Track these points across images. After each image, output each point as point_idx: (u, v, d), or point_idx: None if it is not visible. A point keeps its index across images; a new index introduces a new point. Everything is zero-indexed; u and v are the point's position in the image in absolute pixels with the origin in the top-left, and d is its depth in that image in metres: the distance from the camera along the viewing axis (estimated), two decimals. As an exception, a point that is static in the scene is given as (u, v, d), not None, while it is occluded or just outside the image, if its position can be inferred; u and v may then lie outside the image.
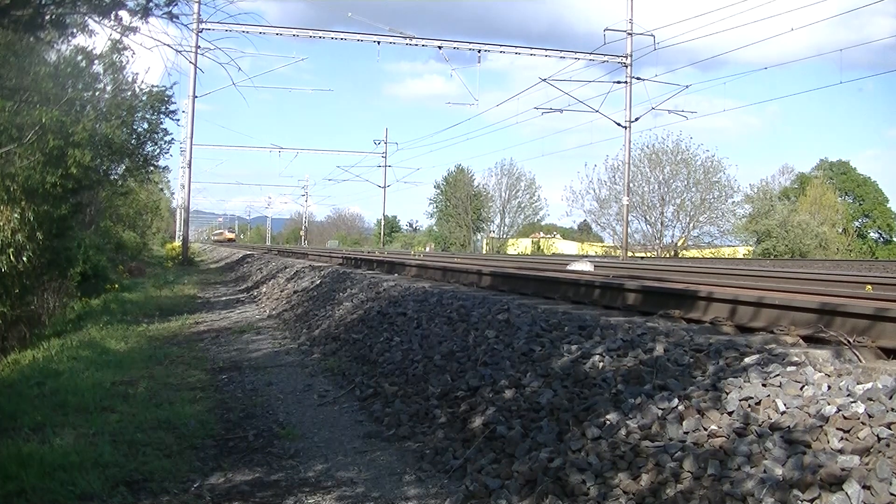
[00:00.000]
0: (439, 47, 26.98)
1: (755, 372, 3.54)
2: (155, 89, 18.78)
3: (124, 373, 7.01)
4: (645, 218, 45.64)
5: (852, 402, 3.02)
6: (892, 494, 2.57)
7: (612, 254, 38.32)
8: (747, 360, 3.73)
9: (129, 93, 17.43)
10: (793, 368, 3.50)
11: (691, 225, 45.56)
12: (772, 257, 41.73)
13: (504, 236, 60.54)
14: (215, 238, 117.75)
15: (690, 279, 8.52)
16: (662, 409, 3.59)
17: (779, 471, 2.86)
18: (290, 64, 31.45)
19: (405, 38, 26.74)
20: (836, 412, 3.00)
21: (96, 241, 18.22)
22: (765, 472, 2.89)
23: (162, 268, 29.06)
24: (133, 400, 5.88)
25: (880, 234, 60.43)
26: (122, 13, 4.43)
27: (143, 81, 17.73)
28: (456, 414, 4.89)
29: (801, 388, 3.32)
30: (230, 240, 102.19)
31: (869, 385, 3.13)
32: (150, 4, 4.44)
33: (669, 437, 3.40)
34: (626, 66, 27.18)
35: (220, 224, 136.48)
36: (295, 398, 6.29)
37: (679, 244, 45.18)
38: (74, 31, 4.70)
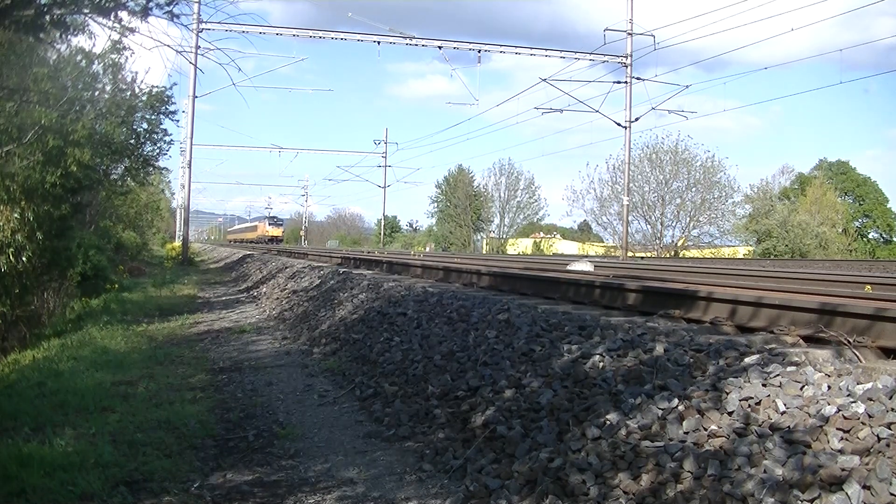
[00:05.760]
0: (439, 47, 26.97)
1: (755, 372, 3.54)
2: (155, 89, 18.79)
3: (124, 373, 7.01)
4: (645, 218, 45.68)
5: (852, 402, 3.02)
6: (892, 495, 2.57)
7: (613, 254, 38.32)
8: (747, 360, 3.73)
9: (128, 93, 17.42)
10: (793, 368, 3.50)
11: (691, 225, 45.59)
12: (772, 257, 41.73)
13: (504, 236, 60.53)
14: (235, 236, 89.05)
15: (690, 279, 8.52)
16: (662, 410, 3.59)
17: (779, 471, 2.86)
18: (290, 64, 31.49)
19: (405, 38, 26.74)
20: (836, 412, 3.00)
21: (96, 241, 18.20)
22: (765, 472, 2.89)
23: (162, 268, 29.05)
24: (133, 400, 5.88)
25: (880, 235, 60.42)
26: (122, 13, 4.43)
27: (142, 81, 17.74)
28: (456, 414, 4.89)
29: (802, 388, 3.32)
30: (274, 238, 67.35)
31: (869, 385, 3.13)
32: (151, 4, 4.44)
33: (669, 438, 3.40)
34: (627, 67, 27.19)
35: (220, 224, 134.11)
36: (295, 398, 6.30)
37: (679, 244, 45.18)
38: (75, 31, 4.69)
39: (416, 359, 6.25)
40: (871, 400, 2.99)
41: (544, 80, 26.34)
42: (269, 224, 71.36)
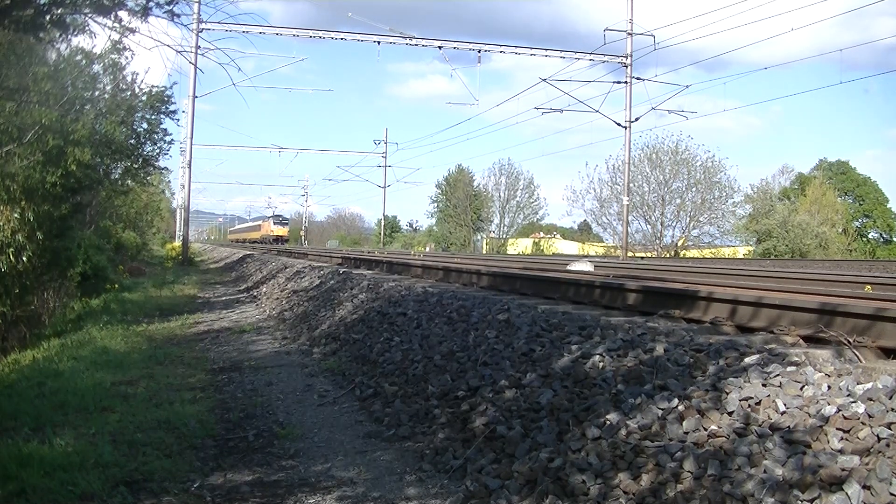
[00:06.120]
0: (439, 47, 26.97)
1: (755, 372, 3.54)
2: (155, 89, 18.78)
3: (124, 373, 7.01)
4: (645, 218, 45.67)
5: (852, 402, 3.02)
6: (892, 495, 2.57)
7: (613, 254, 38.31)
8: (747, 360, 3.73)
9: (128, 93, 17.42)
10: (793, 368, 3.50)
11: (691, 225, 45.58)
12: (772, 257, 41.73)
13: (504, 236, 60.54)
14: (237, 236, 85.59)
15: (690, 279, 8.52)
16: (663, 409, 3.59)
17: (779, 471, 2.86)
18: (290, 64, 31.53)
19: (405, 38, 26.74)
20: (836, 412, 3.00)
21: (96, 241, 18.20)
22: (765, 472, 2.89)
23: (162, 268, 29.06)
24: (133, 400, 5.89)
25: (880, 235, 60.43)
26: (122, 13, 4.44)
27: (143, 81, 17.74)
28: (456, 414, 4.89)
29: (802, 388, 3.32)
30: (279, 238, 63.13)
31: (869, 385, 3.13)
32: (150, 4, 4.44)
33: (670, 438, 3.40)
34: (627, 67, 27.19)
35: (220, 224, 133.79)
36: (295, 398, 6.30)
37: (679, 244, 45.17)
38: (75, 31, 4.70)
39: (416, 359, 6.25)
40: (871, 400, 2.99)
41: (544, 80, 26.34)
42: (275, 223, 66.91)
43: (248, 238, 72.97)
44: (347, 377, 6.80)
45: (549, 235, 65.45)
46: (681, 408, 3.52)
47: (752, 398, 3.35)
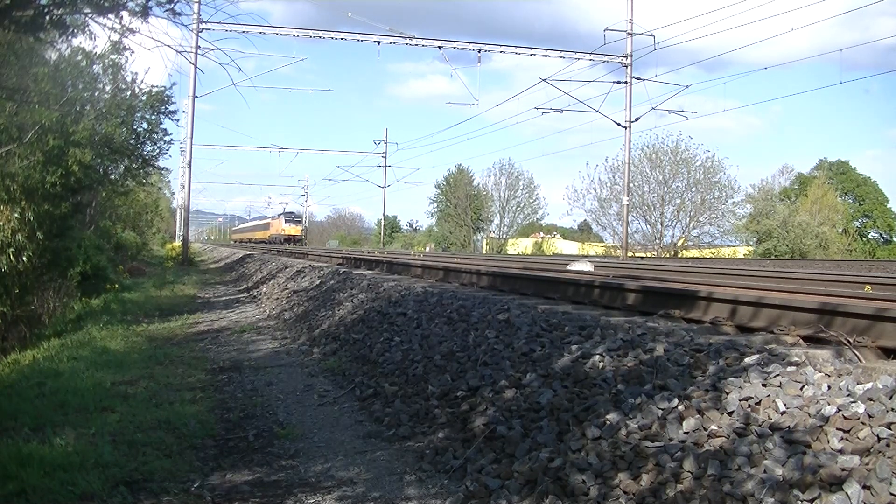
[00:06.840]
0: (439, 47, 26.96)
1: (755, 372, 3.54)
2: (155, 89, 18.77)
3: (124, 373, 7.01)
4: (645, 218, 45.68)
5: (852, 402, 3.03)
6: (892, 494, 2.57)
7: (613, 254, 38.31)
8: (747, 360, 3.73)
9: (128, 93, 17.42)
10: (793, 368, 3.50)
11: (691, 225, 45.58)
12: (772, 257, 41.73)
13: (504, 236, 60.53)
14: (242, 236, 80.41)
15: (690, 279, 8.52)
16: (663, 410, 3.59)
17: (779, 471, 2.86)
18: (290, 64, 31.50)
19: (405, 38, 26.73)
20: (836, 412, 3.01)
21: (96, 241, 18.20)
22: (765, 472, 2.89)
23: (162, 268, 29.05)
24: (133, 400, 5.88)
25: (880, 235, 60.43)
26: (122, 13, 4.43)
27: (142, 81, 17.73)
28: (456, 414, 4.89)
29: (802, 389, 3.32)
30: (291, 238, 56.66)
31: (869, 385, 3.13)
32: (150, 4, 4.44)
33: (670, 438, 3.40)
34: (627, 67, 27.18)
35: (220, 224, 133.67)
36: (295, 398, 6.30)
37: (679, 244, 45.17)
38: (75, 31, 4.70)
39: (416, 359, 6.25)
40: (871, 400, 2.99)
41: (544, 80, 26.33)
42: (286, 221, 59.62)
43: (255, 238, 67.73)
44: (347, 377, 6.80)
45: (549, 235, 65.43)
46: (681, 408, 3.52)
47: (752, 398, 3.36)
